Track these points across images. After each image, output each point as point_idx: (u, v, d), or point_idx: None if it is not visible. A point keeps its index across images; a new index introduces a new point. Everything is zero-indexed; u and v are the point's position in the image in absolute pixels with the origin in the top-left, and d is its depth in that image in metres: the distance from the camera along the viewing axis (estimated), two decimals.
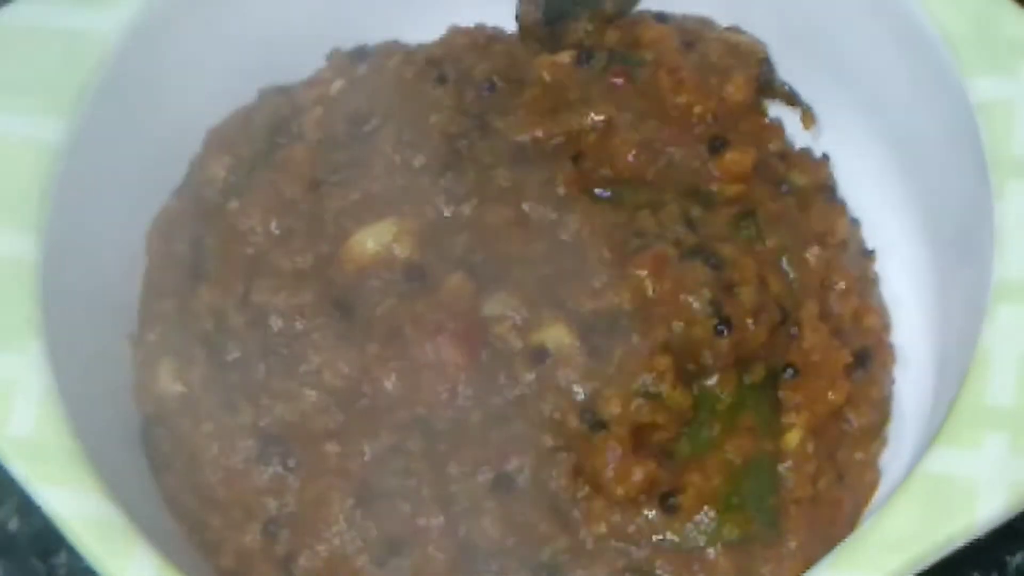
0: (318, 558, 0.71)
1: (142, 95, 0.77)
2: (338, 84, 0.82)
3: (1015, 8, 0.73)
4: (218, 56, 0.80)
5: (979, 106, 0.71)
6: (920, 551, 0.64)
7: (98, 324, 0.75)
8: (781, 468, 0.73)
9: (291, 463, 0.72)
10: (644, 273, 0.73)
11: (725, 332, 0.73)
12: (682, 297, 0.73)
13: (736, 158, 0.78)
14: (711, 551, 0.71)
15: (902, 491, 0.65)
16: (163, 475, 0.75)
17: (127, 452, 0.74)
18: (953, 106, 0.72)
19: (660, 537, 0.71)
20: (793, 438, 0.73)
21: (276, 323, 0.74)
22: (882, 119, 0.79)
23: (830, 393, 0.74)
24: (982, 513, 0.64)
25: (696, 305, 0.73)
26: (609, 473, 0.71)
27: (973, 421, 0.66)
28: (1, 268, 0.70)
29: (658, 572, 0.71)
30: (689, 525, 0.71)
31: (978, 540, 0.65)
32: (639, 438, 0.71)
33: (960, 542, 0.64)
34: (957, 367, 0.69)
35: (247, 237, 0.77)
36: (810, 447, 0.73)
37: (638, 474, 0.70)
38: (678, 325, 0.73)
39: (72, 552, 0.79)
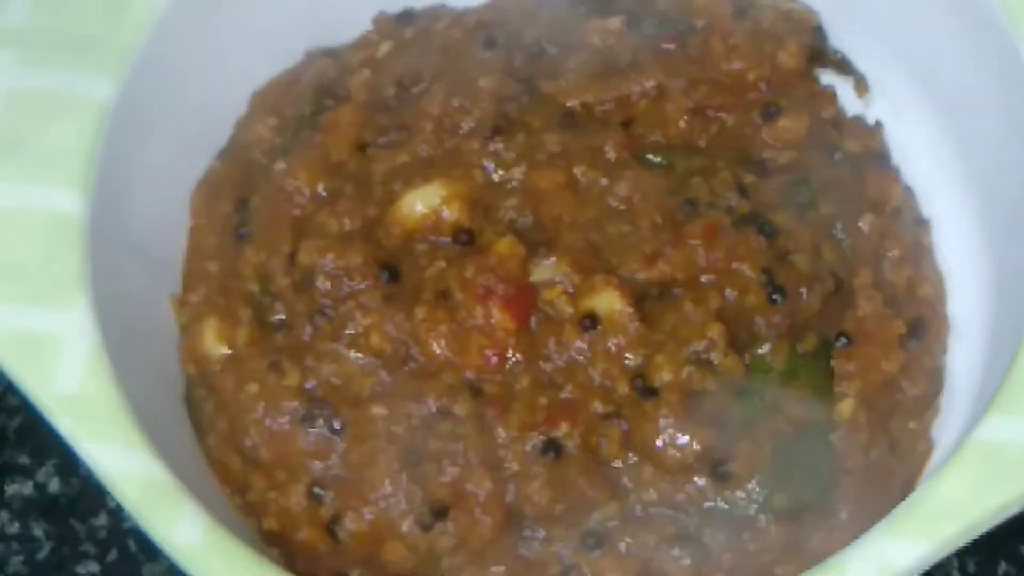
0: (363, 521, 0.71)
1: (189, 55, 0.77)
2: (385, 47, 0.82)
3: None
4: (264, 18, 0.80)
5: None
6: (973, 518, 0.63)
7: (143, 284, 0.75)
8: (833, 437, 0.72)
9: (336, 425, 0.72)
10: (697, 241, 0.73)
11: (778, 300, 0.72)
12: (735, 265, 0.72)
13: (789, 125, 0.77)
14: (761, 519, 0.70)
15: (955, 459, 0.65)
16: (206, 436, 0.75)
17: (171, 412, 0.74)
18: (1008, 73, 0.72)
19: (711, 504, 0.70)
20: (846, 407, 0.72)
21: (323, 284, 0.74)
22: (935, 87, 0.79)
23: (883, 362, 0.73)
24: None
25: (749, 273, 0.72)
26: (660, 440, 0.70)
27: None
28: (49, 224, 0.69)
29: (707, 540, 0.70)
30: (740, 493, 0.70)
31: None
32: (690, 406, 0.71)
33: (1014, 509, 0.64)
34: (1011, 337, 0.68)
35: (293, 198, 0.77)
36: (862, 416, 0.72)
37: (691, 442, 0.70)
38: (731, 293, 0.72)
39: (112, 514, 0.80)
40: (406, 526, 0.70)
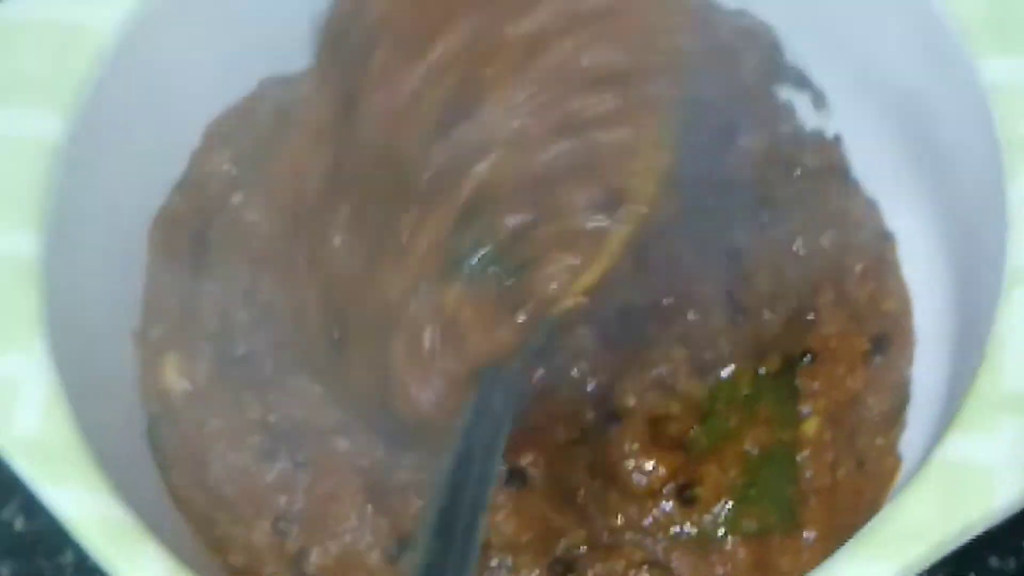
0: (329, 555, 0.70)
1: (141, 90, 0.76)
2: None
3: None
4: (217, 48, 0.79)
5: (992, 87, 0.70)
6: (939, 538, 0.63)
7: (101, 321, 0.74)
8: (799, 457, 0.72)
9: (300, 459, 0.71)
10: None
11: (741, 321, 0.72)
12: (697, 287, 0.72)
13: (748, 144, 0.77)
14: (729, 541, 0.70)
15: (919, 479, 0.64)
16: (170, 473, 0.74)
17: (133, 450, 0.74)
18: (965, 88, 0.71)
19: (678, 529, 0.70)
20: (811, 426, 0.72)
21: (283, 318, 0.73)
22: (893, 101, 0.78)
23: (848, 380, 0.73)
24: (1000, 499, 0.63)
25: (711, 295, 0.72)
26: (627, 466, 0.70)
27: (989, 406, 0.65)
28: (3, 267, 0.69)
29: (675, 564, 0.70)
30: (707, 516, 0.70)
31: (996, 526, 0.64)
32: (655, 430, 0.70)
33: (979, 529, 0.63)
34: (974, 351, 0.68)
35: (252, 230, 0.76)
36: (828, 435, 0.72)
37: (658, 467, 0.70)
38: (693, 315, 0.72)
39: (79, 551, 0.79)
40: (373, 559, 0.70)
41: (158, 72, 0.76)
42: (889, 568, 0.62)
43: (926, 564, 0.63)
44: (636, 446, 0.70)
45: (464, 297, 0.63)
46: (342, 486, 0.71)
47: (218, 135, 0.80)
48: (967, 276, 0.75)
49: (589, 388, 0.71)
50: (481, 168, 0.63)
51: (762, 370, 0.73)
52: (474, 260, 0.63)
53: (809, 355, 0.73)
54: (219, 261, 0.76)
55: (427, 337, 0.63)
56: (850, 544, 0.63)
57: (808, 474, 0.72)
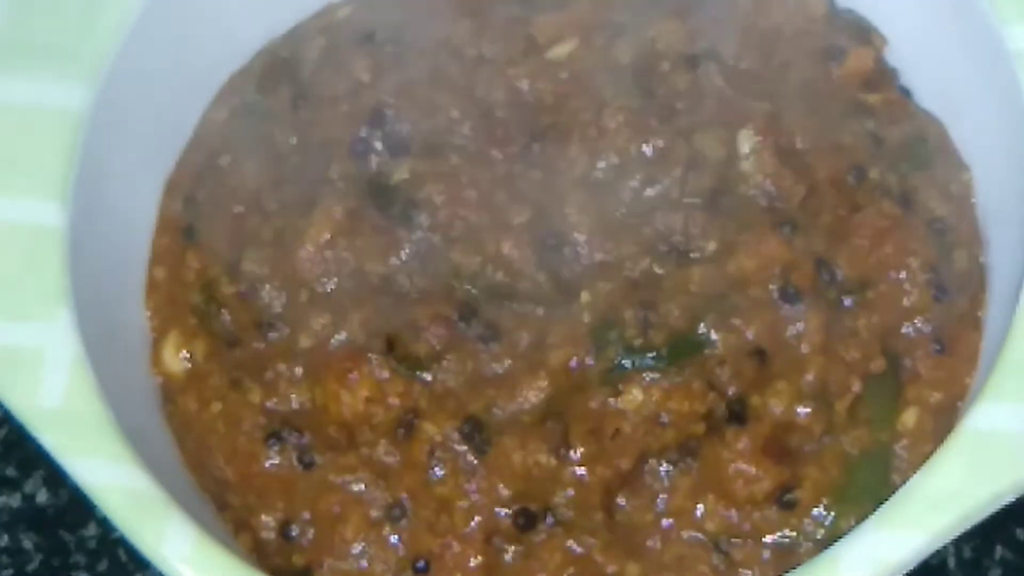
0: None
1: (159, 58, 0.76)
2: (345, 10, 0.81)
3: None
4: (230, 16, 0.79)
5: (1017, 54, 0.70)
6: (967, 509, 0.63)
7: (122, 292, 0.75)
8: (897, 448, 0.70)
9: (307, 459, 0.70)
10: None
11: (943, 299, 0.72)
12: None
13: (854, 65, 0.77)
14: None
15: (947, 448, 0.64)
16: (184, 447, 0.73)
17: (154, 423, 0.73)
18: (991, 55, 0.71)
19: (777, 536, 0.69)
20: (910, 417, 0.71)
21: (269, 296, 0.73)
22: (918, 71, 0.78)
23: (967, 378, 0.72)
24: None
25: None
26: (732, 471, 0.68)
27: (1017, 375, 0.65)
28: (29, 237, 0.69)
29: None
30: (807, 520, 0.69)
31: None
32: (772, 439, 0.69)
33: (1008, 498, 0.63)
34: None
35: (237, 193, 0.76)
36: (928, 425, 0.70)
37: (764, 476, 0.68)
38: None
39: (102, 524, 0.79)
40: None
41: (176, 41, 0.77)
42: (917, 537, 0.62)
43: (954, 534, 0.63)
44: (750, 453, 0.68)
45: None
46: (351, 505, 0.70)
47: (220, 98, 0.80)
48: (1000, 247, 0.74)
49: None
50: None
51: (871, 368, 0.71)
52: None
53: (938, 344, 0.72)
54: (204, 227, 0.75)
55: None
56: (877, 515, 0.63)
57: (904, 466, 0.70)
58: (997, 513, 0.64)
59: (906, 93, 0.79)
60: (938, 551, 0.70)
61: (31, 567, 0.79)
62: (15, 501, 0.81)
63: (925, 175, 0.75)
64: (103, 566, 0.79)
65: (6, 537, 0.80)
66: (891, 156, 0.75)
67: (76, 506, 0.80)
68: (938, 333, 0.72)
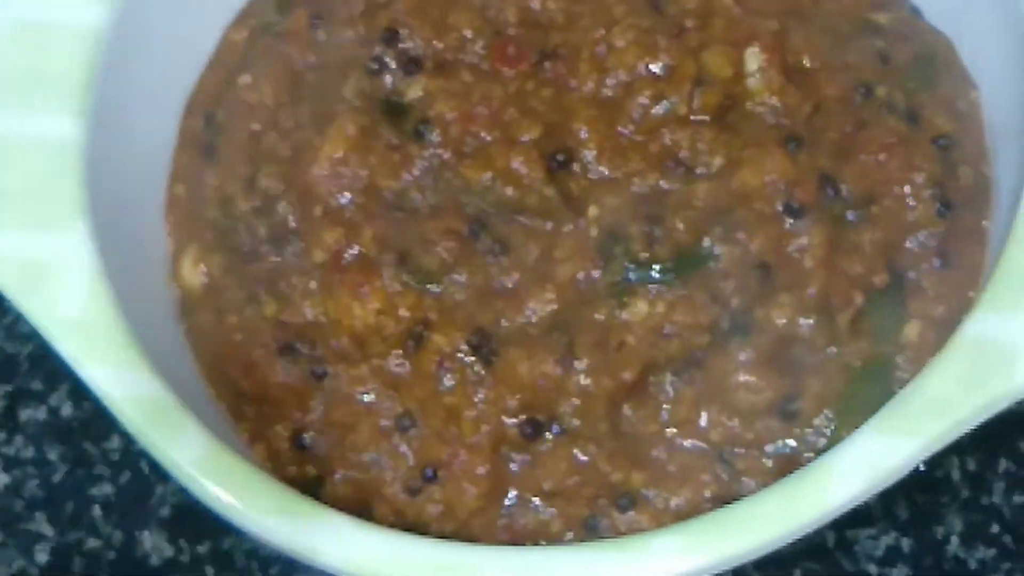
0: (348, 485, 0.71)
1: None
2: None
3: None
4: None
5: None
6: (961, 415, 0.63)
7: (142, 207, 0.76)
8: (899, 360, 0.71)
9: (319, 370, 0.72)
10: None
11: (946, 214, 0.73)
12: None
13: None
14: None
15: (943, 356, 0.65)
16: (203, 359, 0.75)
17: (171, 334, 0.75)
18: (1008, 15, 0.72)
19: (779, 445, 0.70)
20: (912, 330, 0.71)
21: (284, 211, 0.74)
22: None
23: (970, 291, 0.72)
24: (1023, 376, 0.63)
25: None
26: (735, 382, 0.70)
27: (1016, 284, 0.65)
28: (48, 151, 0.70)
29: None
30: (808, 430, 0.70)
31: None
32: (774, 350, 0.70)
33: (1002, 405, 0.64)
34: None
35: (255, 112, 0.77)
36: (931, 337, 0.71)
37: (765, 386, 0.69)
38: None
39: (125, 437, 0.80)
40: (395, 488, 0.71)
41: None
42: (912, 443, 0.63)
43: (949, 439, 0.64)
44: (751, 364, 0.69)
45: None
46: (362, 415, 0.71)
47: (241, 14, 0.81)
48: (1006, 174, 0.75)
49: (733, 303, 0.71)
50: None
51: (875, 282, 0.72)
52: None
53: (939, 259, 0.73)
54: (223, 144, 0.77)
55: None
56: (872, 420, 0.64)
57: (905, 377, 0.70)
58: (1000, 425, 0.65)
59: (916, 12, 0.79)
60: (942, 463, 0.71)
61: (56, 478, 0.81)
62: (41, 414, 0.82)
63: (932, 93, 0.76)
64: (126, 477, 0.81)
65: (32, 449, 0.82)
66: (899, 74, 0.76)
67: (100, 419, 0.80)
68: (942, 248, 0.73)
